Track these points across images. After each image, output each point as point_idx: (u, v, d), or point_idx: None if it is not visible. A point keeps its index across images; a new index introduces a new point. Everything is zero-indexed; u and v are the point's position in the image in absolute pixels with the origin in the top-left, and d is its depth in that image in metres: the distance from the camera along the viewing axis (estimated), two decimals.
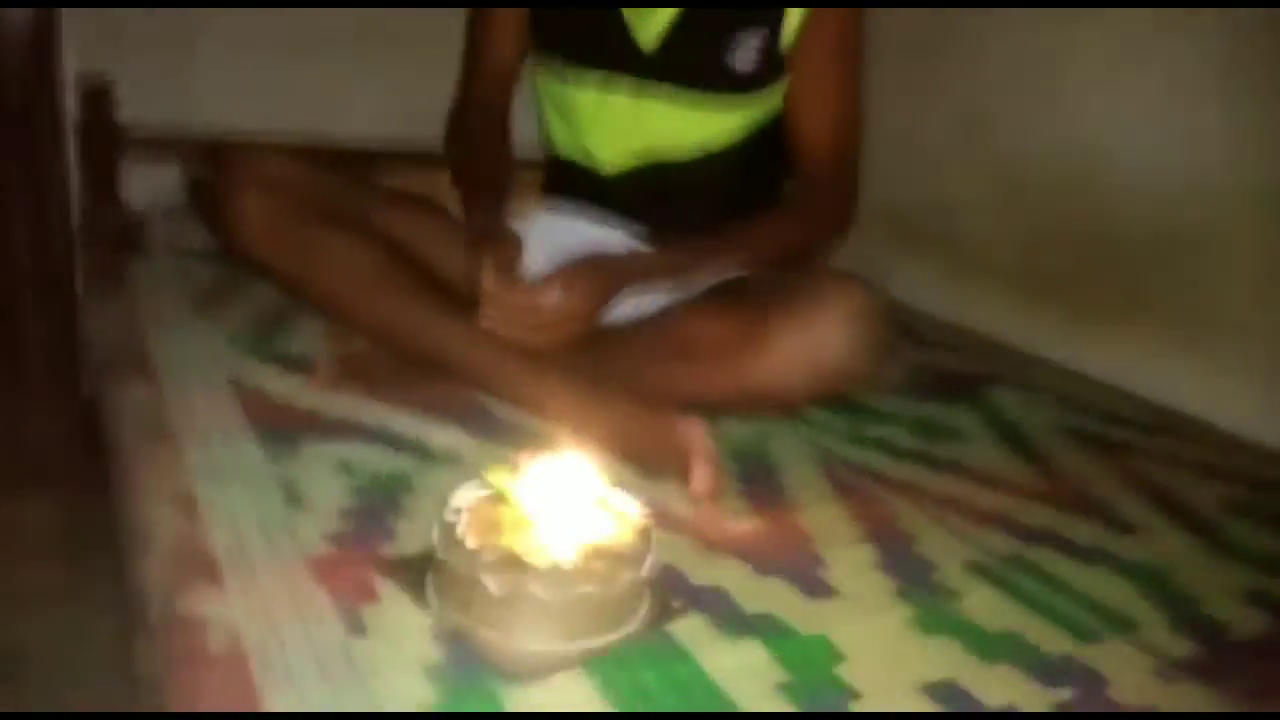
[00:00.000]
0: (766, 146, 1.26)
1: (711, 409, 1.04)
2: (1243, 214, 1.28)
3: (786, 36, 1.17)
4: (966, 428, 1.20)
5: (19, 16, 1.24)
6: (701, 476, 0.91)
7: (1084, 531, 0.96)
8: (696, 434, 0.94)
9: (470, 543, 0.66)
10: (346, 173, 1.25)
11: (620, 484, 0.77)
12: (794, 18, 1.16)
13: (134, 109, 1.60)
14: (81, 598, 1.34)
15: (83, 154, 1.50)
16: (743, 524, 0.90)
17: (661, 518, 0.84)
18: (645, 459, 0.96)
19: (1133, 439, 1.21)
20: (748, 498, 0.95)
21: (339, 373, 1.09)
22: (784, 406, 1.11)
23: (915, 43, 1.73)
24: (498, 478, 0.72)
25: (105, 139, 1.49)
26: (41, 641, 1.21)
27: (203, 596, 0.67)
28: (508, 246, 1.03)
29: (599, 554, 0.68)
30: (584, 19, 1.20)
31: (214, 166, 1.10)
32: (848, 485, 1.00)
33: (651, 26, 1.18)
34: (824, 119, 1.22)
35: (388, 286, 1.07)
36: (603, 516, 0.72)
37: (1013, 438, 1.18)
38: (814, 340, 0.98)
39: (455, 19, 1.39)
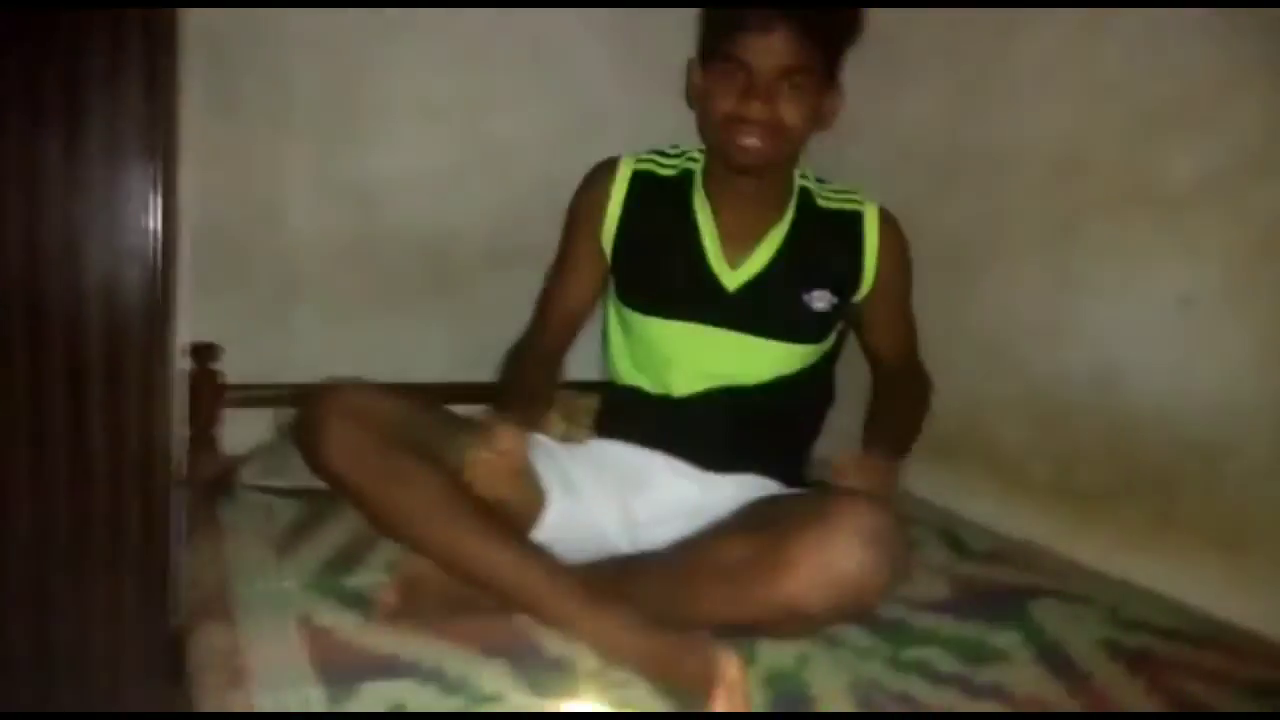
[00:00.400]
0: (824, 369, 1.44)
1: (744, 630, 1.10)
2: (1263, 422, 1.32)
3: (866, 283, 1.41)
4: (1007, 647, 1.21)
5: (137, 290, 1.44)
6: (725, 698, 0.95)
7: None
8: (726, 662, 0.97)
9: None
10: (423, 401, 1.39)
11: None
12: (871, 266, 1.40)
13: (235, 367, 1.81)
14: None
15: (190, 408, 1.68)
16: None
17: None
18: (680, 683, 1.01)
19: (1175, 653, 1.20)
20: None
21: (403, 601, 1.16)
22: (808, 624, 1.14)
23: (938, 272, 1.85)
24: None
25: (209, 396, 1.68)
26: None
27: None
28: (511, 424, 1.17)
29: None
30: (671, 270, 1.37)
31: (306, 399, 1.22)
32: (881, 710, 1.03)
33: (735, 278, 1.36)
34: (900, 327, 1.50)
35: (451, 511, 1.14)
36: None
37: (1055, 658, 1.18)
38: (829, 559, 1.05)
39: (520, 271, 1.56)
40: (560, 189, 1.53)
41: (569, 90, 2.10)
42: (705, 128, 1.36)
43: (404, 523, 1.16)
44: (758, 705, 1.00)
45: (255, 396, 1.81)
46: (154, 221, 1.43)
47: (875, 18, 2.02)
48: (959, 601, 1.35)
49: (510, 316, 1.58)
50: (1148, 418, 1.46)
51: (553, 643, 1.12)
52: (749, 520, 1.20)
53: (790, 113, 1.27)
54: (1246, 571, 1.33)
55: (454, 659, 1.07)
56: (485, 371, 1.69)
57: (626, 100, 2.12)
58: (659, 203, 1.41)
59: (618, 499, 1.33)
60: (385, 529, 1.21)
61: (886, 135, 2.02)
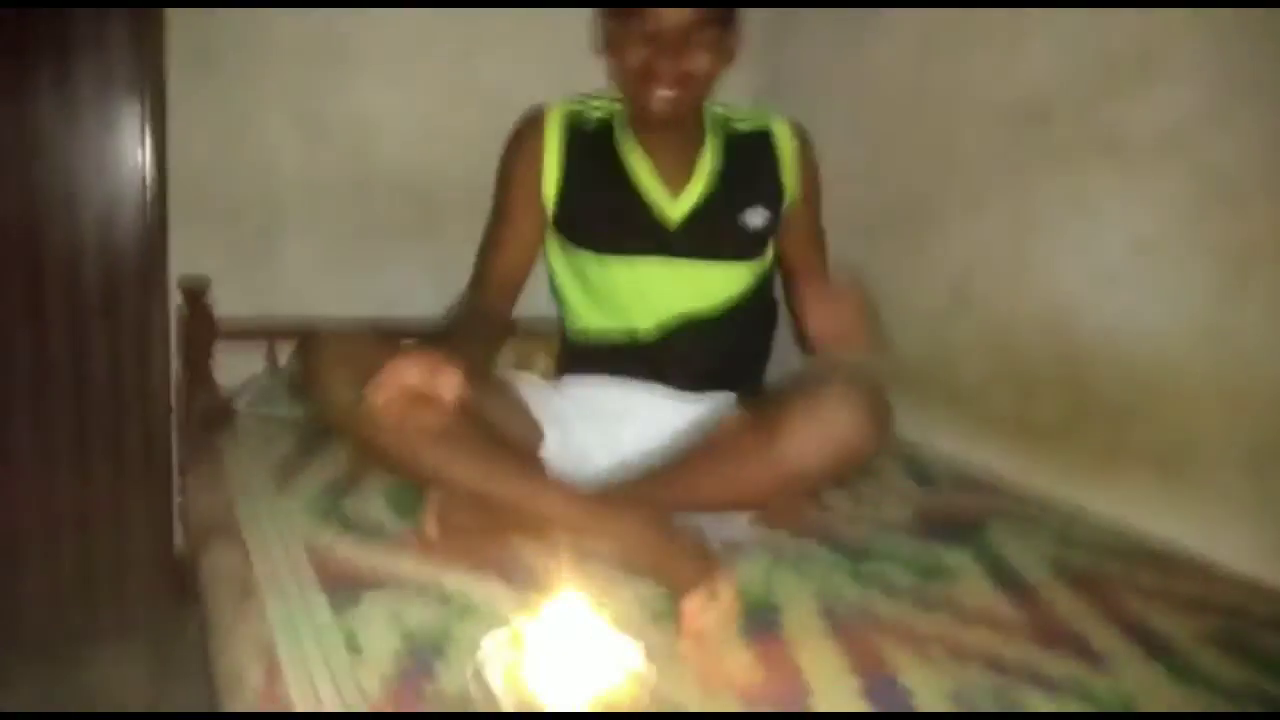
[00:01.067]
0: (768, 286, 1.52)
1: (748, 503, 1.24)
2: (1204, 357, 1.41)
3: (790, 192, 1.47)
4: (961, 566, 1.30)
5: (132, 231, 1.48)
6: (697, 608, 1.02)
7: (1059, 665, 1.05)
8: (721, 578, 1.06)
9: (494, 685, 0.80)
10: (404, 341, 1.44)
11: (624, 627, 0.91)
12: (791, 177, 1.46)
13: (227, 304, 1.86)
14: None
15: (182, 344, 1.74)
16: (740, 672, 1.00)
17: (668, 656, 0.97)
18: (673, 583, 1.10)
19: (1119, 573, 1.30)
20: (749, 635, 1.07)
21: (441, 531, 1.23)
22: (806, 484, 1.27)
23: (904, 217, 1.92)
24: (521, 627, 0.86)
25: (202, 331, 1.74)
26: None
27: None
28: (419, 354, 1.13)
29: (601, 703, 0.81)
30: (618, 210, 1.43)
31: (305, 351, 1.26)
32: (843, 624, 1.12)
33: (677, 209, 1.42)
34: (816, 239, 1.56)
35: (461, 449, 1.19)
36: (608, 662, 0.85)
37: (1004, 575, 1.28)
38: (826, 420, 1.16)
39: None
40: None
41: (556, 31, 2.11)
42: (618, 78, 1.40)
43: (418, 466, 1.20)
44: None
45: (246, 329, 1.87)
46: (145, 162, 1.47)
47: None
48: (918, 525, 1.45)
49: None
50: (1100, 355, 1.55)
51: (536, 557, 1.21)
52: (748, 408, 1.32)
53: (698, 62, 1.33)
54: (1185, 496, 1.43)
55: (450, 576, 1.15)
56: None
57: None
58: (593, 147, 1.45)
59: (602, 428, 1.41)
60: (399, 473, 1.26)
61: (854, 84, 2.08)
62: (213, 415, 1.63)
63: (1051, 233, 1.63)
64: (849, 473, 1.30)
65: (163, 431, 1.59)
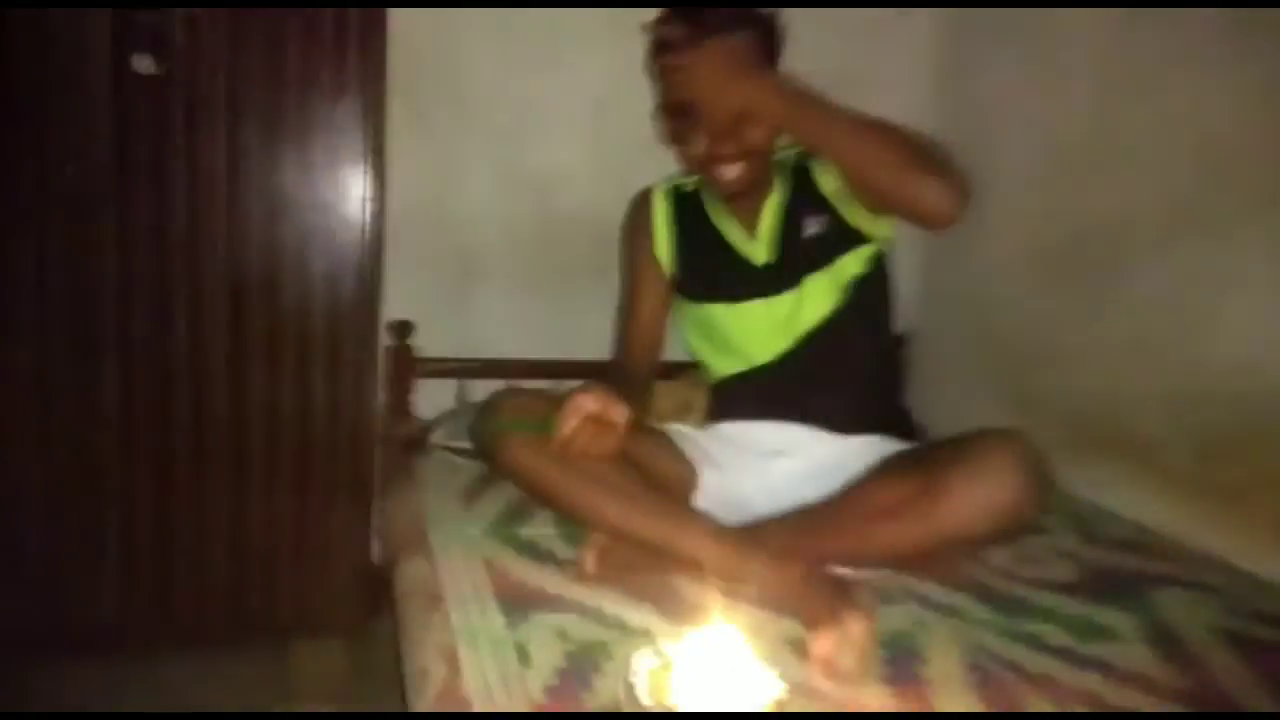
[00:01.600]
0: (877, 302, 1.60)
1: (905, 562, 1.27)
2: None
3: (828, 184, 1.55)
4: (1121, 627, 1.28)
5: (352, 282, 1.70)
6: (827, 643, 1.08)
7: None
8: (854, 615, 1.11)
9: (644, 700, 0.89)
10: None
11: (767, 659, 0.97)
12: (827, 178, 1.55)
13: (429, 344, 2.07)
14: None
15: (387, 380, 1.95)
16: (873, 702, 1.05)
17: (808, 690, 1.02)
18: (808, 621, 1.16)
19: None
20: (889, 678, 1.11)
21: (598, 566, 1.33)
22: (967, 547, 1.30)
23: (1085, 267, 1.89)
24: (671, 648, 0.95)
25: (404, 369, 1.95)
26: None
27: None
28: (597, 390, 1.32)
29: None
30: (712, 265, 1.60)
31: (486, 415, 1.41)
32: (988, 676, 1.13)
33: (759, 251, 1.57)
34: None
35: (615, 491, 1.32)
36: (749, 687, 0.93)
37: (1165, 640, 1.24)
38: (988, 484, 1.18)
39: None
40: None
41: None
42: (689, 166, 1.56)
43: (580, 506, 1.34)
44: (874, 659, 1.13)
45: (443, 368, 2.08)
46: (366, 222, 1.68)
47: (1026, 16, 2.08)
48: (1080, 584, 1.42)
49: None
50: None
51: (690, 590, 1.29)
52: (895, 466, 1.34)
53: (753, 136, 1.46)
54: None
55: (609, 600, 1.26)
56: None
57: None
58: (691, 213, 1.66)
59: (756, 465, 1.49)
60: (565, 515, 1.39)
61: (1033, 129, 2.06)
62: (410, 444, 1.83)
63: (1240, 284, 1.57)
64: (1008, 536, 1.30)
65: (368, 457, 1.80)
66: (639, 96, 2.23)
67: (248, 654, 1.84)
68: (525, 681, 1.03)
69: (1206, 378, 1.63)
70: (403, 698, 1.10)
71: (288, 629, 1.73)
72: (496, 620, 1.18)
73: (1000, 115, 2.16)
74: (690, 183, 1.69)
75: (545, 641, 1.13)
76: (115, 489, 1.64)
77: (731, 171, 1.49)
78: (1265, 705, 1.08)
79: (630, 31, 2.16)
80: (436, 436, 1.86)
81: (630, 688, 0.91)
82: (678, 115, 1.49)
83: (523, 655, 1.09)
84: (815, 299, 1.55)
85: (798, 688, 1.02)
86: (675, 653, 0.95)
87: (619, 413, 1.31)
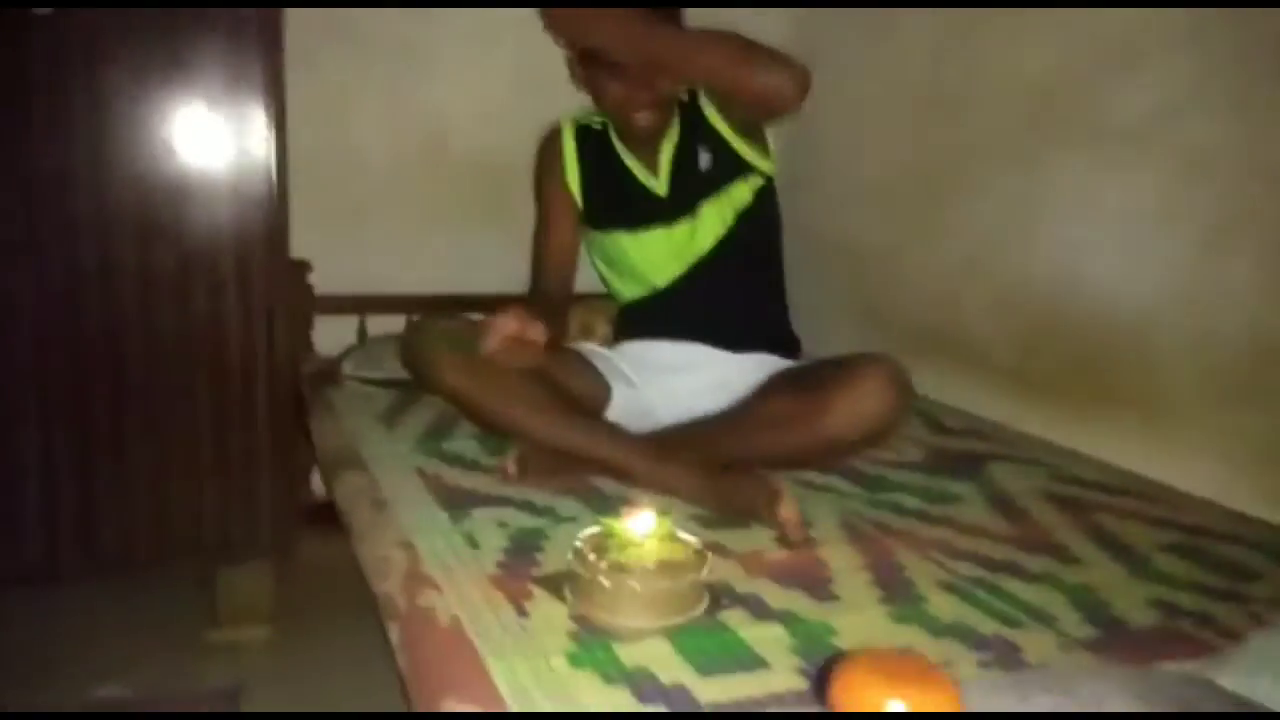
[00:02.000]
0: (764, 230, 1.80)
1: (786, 464, 1.47)
2: (1181, 315, 1.63)
3: (713, 122, 1.71)
4: (963, 493, 1.54)
5: (262, 220, 1.75)
6: (790, 504, 1.30)
7: (1037, 563, 1.29)
8: (778, 484, 1.33)
9: (592, 557, 1.06)
10: None
11: (684, 527, 1.16)
12: (714, 114, 1.71)
13: (322, 279, 2.14)
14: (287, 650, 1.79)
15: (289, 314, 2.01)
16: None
17: (718, 549, 1.22)
18: (739, 508, 1.36)
19: (1100, 499, 1.53)
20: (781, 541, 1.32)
21: (519, 470, 1.49)
22: (841, 452, 1.52)
23: (921, 195, 2.15)
24: (609, 521, 1.12)
25: (306, 304, 2.02)
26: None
27: (430, 597, 1.08)
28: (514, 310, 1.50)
29: (674, 564, 1.07)
30: (621, 195, 1.75)
31: (411, 335, 1.60)
32: (859, 533, 1.36)
33: (660, 185, 1.73)
34: None
35: (545, 408, 1.50)
36: (675, 544, 1.11)
37: (999, 501, 1.52)
38: (861, 401, 1.41)
39: None
40: None
41: None
42: (602, 108, 1.70)
43: (509, 421, 1.51)
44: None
45: (342, 304, 2.16)
46: (271, 159, 1.73)
47: None
48: (928, 462, 1.69)
49: None
50: (1093, 313, 1.78)
51: (610, 486, 1.47)
52: (785, 382, 1.57)
53: (663, 85, 1.61)
54: (1162, 436, 1.66)
55: (539, 496, 1.42)
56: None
57: None
58: (598, 149, 1.80)
59: (660, 382, 1.67)
60: (492, 427, 1.55)
61: (876, 74, 2.30)
62: (322, 377, 1.92)
63: (1051, 208, 1.86)
64: (879, 440, 1.53)
65: (285, 389, 1.87)
66: (527, 37, 2.34)
67: (175, 581, 1.91)
68: (479, 560, 1.18)
69: (1026, 288, 1.92)
70: (365, 582, 1.22)
71: (213, 555, 1.81)
72: (440, 516, 1.32)
73: (844, 68, 2.40)
74: (597, 120, 1.81)
75: (488, 530, 1.28)
76: (33, 431, 1.66)
77: (646, 119, 1.65)
78: (1078, 544, 1.35)
79: None
80: (347, 368, 1.96)
81: (580, 554, 1.08)
82: (589, 63, 1.62)
83: (470, 541, 1.24)
84: (709, 226, 1.73)
85: (717, 547, 1.21)
86: (613, 526, 1.12)
87: (537, 331, 1.47)
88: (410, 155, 2.30)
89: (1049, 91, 1.85)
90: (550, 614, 1.07)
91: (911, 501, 1.50)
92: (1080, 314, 1.80)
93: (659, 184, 1.76)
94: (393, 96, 2.26)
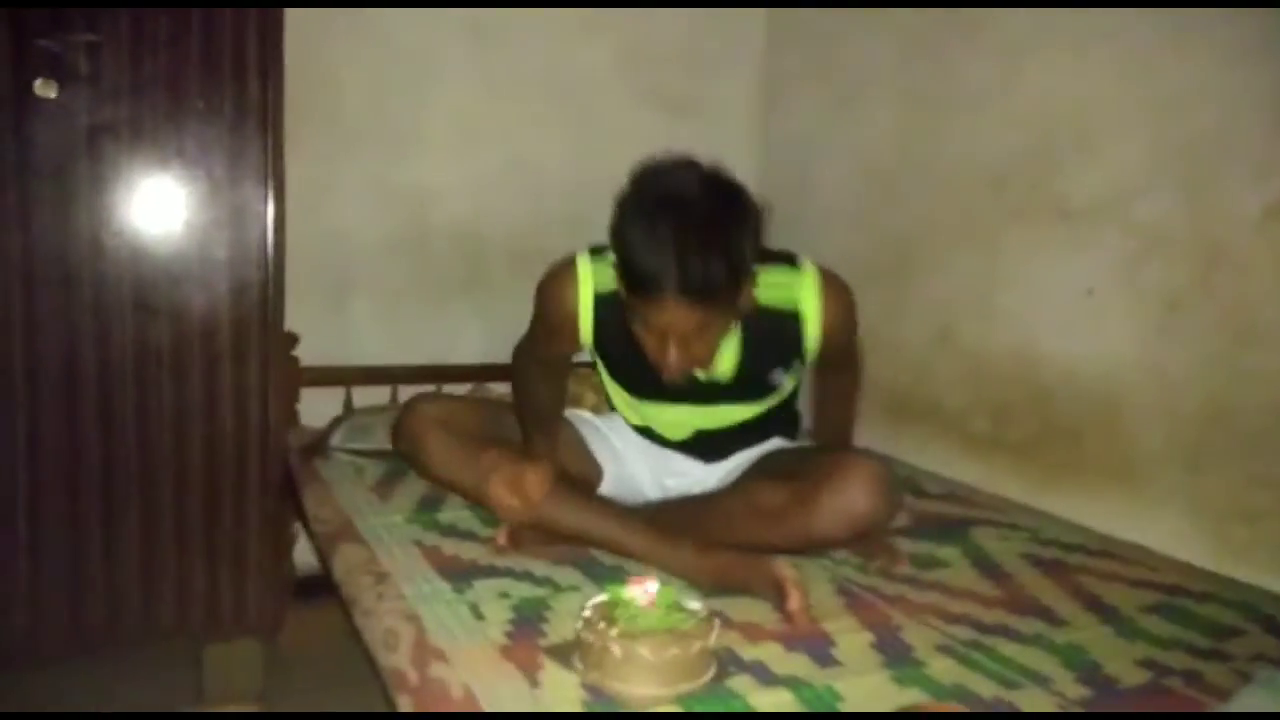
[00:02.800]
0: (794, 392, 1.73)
1: (772, 551, 1.44)
2: (1143, 382, 1.70)
3: (811, 350, 1.56)
4: (949, 558, 1.58)
5: (255, 295, 1.78)
6: (797, 596, 1.30)
7: (1027, 625, 1.32)
8: (789, 570, 1.33)
9: (602, 625, 1.08)
10: (486, 404, 1.76)
11: (689, 596, 1.18)
12: (814, 339, 1.53)
13: (306, 351, 2.15)
14: None
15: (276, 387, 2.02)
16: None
17: (722, 619, 1.24)
18: (743, 589, 1.36)
19: (1081, 561, 1.57)
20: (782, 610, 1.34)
21: (511, 543, 1.50)
22: (827, 547, 1.52)
23: (892, 267, 2.24)
24: (616, 589, 1.14)
25: (292, 377, 2.03)
26: None
27: (440, 669, 1.09)
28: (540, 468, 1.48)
29: (682, 631, 1.08)
30: (643, 369, 1.42)
31: (403, 414, 1.60)
32: (856, 600, 1.39)
33: (718, 376, 1.54)
34: (842, 351, 1.65)
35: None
36: (681, 612, 1.13)
37: (984, 564, 1.56)
38: (848, 501, 1.41)
39: (540, 270, 1.61)
40: (575, 199, 1.95)
41: (584, 114, 2.46)
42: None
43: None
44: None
45: (326, 376, 2.17)
46: (268, 240, 1.77)
47: (836, 49, 2.43)
48: (915, 528, 1.72)
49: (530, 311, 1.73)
50: (1060, 383, 1.85)
51: (608, 558, 1.48)
52: (775, 472, 1.55)
53: (705, 348, 1.35)
54: (1133, 498, 1.72)
55: (537, 567, 1.43)
56: (508, 356, 1.82)
57: (633, 120, 2.48)
58: (618, 321, 1.43)
59: (648, 466, 1.71)
60: (483, 506, 1.55)
61: (844, 152, 2.41)
62: (311, 449, 1.92)
63: (1014, 282, 1.94)
64: (865, 537, 1.50)
65: (274, 464, 1.87)
66: (505, 117, 2.42)
67: (161, 659, 1.87)
68: (485, 631, 1.19)
69: (993, 358, 1.99)
70: (370, 665, 1.22)
71: (201, 633, 1.78)
72: (443, 587, 1.33)
73: (816, 144, 2.50)
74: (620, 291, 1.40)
75: (491, 601, 1.29)
76: (22, 507, 1.65)
77: (676, 375, 1.38)
78: (1064, 607, 1.39)
79: (498, 52, 2.37)
80: (335, 440, 1.96)
81: (588, 620, 1.09)
82: (636, 299, 1.32)
83: (475, 612, 1.25)
84: (743, 414, 1.64)
85: (721, 616, 1.23)
86: (619, 595, 1.13)
87: (536, 489, 1.47)
88: (393, 231, 2.34)
89: (1008, 173, 1.95)
90: (561, 683, 1.08)
91: (901, 567, 1.53)
92: (1047, 383, 1.88)
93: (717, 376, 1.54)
94: (376, 173, 2.31)
